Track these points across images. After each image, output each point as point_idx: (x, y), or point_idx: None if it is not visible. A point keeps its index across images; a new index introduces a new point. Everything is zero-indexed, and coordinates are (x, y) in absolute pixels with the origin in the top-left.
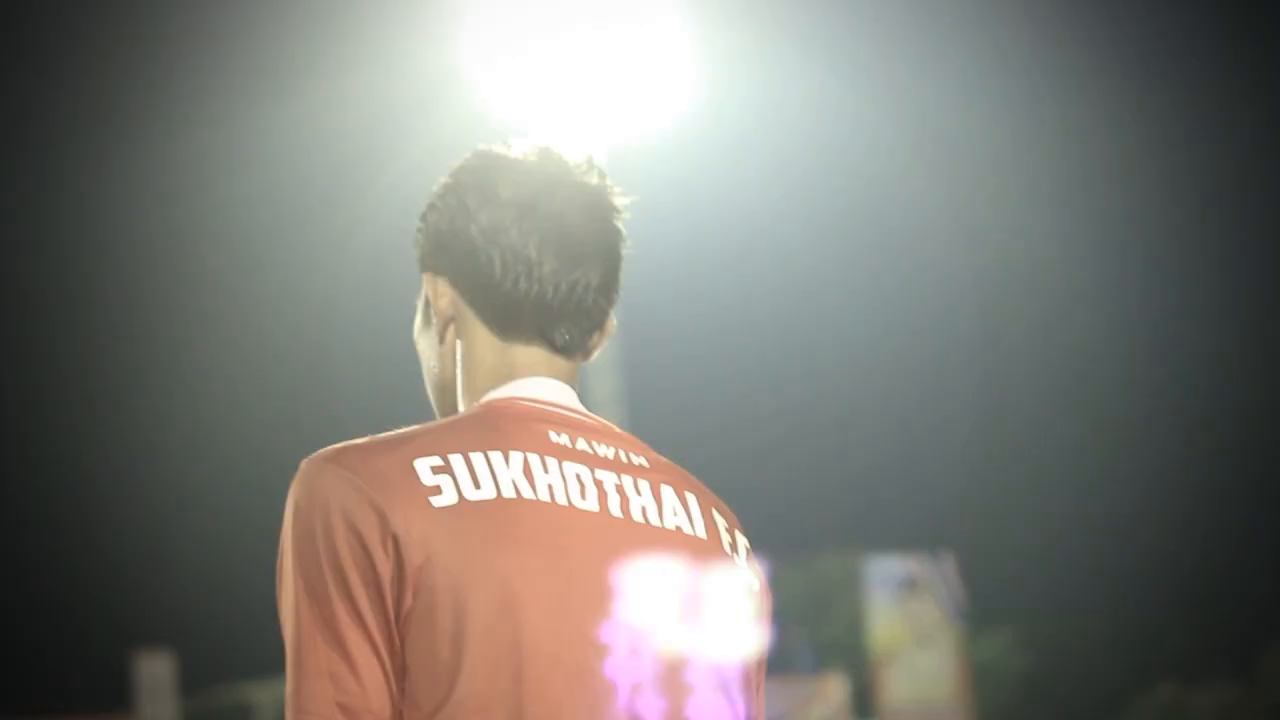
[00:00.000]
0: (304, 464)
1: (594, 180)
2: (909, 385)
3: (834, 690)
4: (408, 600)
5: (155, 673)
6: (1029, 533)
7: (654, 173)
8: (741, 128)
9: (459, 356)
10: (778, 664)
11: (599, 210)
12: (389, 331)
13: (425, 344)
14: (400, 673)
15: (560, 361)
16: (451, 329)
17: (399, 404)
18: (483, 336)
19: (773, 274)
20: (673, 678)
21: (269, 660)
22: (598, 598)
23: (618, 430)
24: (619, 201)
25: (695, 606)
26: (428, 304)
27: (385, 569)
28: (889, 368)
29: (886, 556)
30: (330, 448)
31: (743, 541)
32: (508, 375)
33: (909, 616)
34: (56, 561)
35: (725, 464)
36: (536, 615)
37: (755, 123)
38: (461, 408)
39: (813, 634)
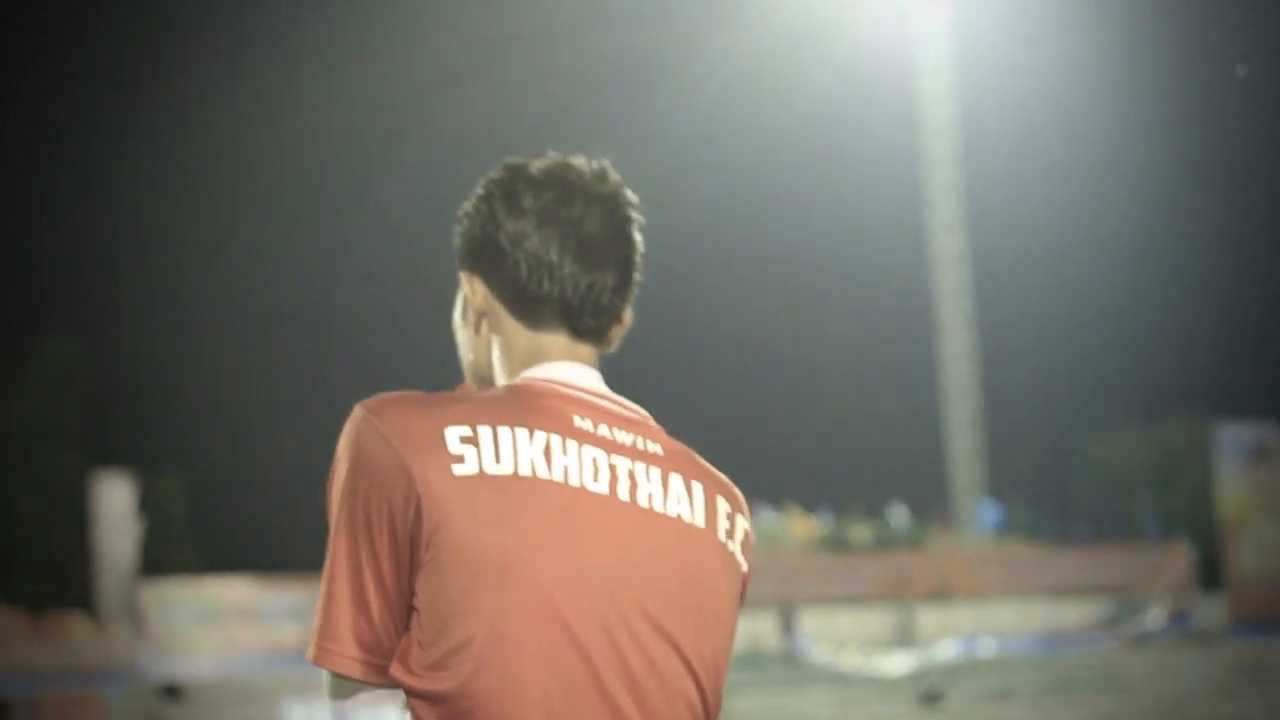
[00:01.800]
0: (355, 410)
1: (609, 189)
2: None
3: (1179, 559)
4: (422, 554)
5: None
6: None
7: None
8: None
9: (493, 345)
10: (1121, 531)
11: (614, 216)
12: None
13: (464, 336)
14: (407, 615)
15: (583, 348)
16: (485, 321)
17: None
18: (513, 327)
19: None
20: (651, 657)
21: None
22: (594, 574)
23: (640, 417)
24: (633, 207)
25: (682, 591)
26: (465, 300)
27: (405, 524)
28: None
29: (1237, 424)
30: (378, 398)
31: (742, 525)
32: (538, 359)
33: (1259, 486)
34: None
35: (1082, 325)
36: (534, 585)
37: None
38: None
39: (1159, 502)
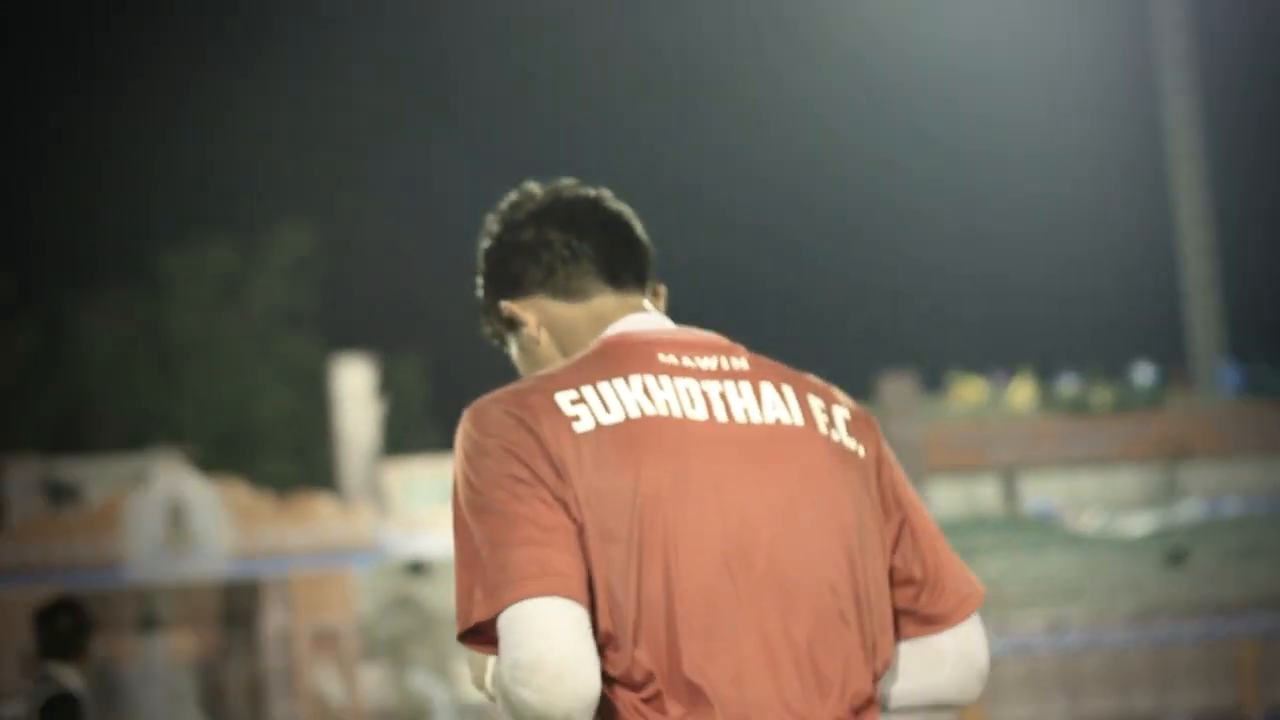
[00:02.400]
0: (468, 410)
1: (594, 191)
2: None
3: None
4: (574, 508)
5: (900, 391)
6: None
7: None
8: None
9: (560, 349)
10: None
11: (604, 199)
12: None
13: (529, 361)
14: (585, 553)
15: (633, 298)
16: (543, 332)
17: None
18: (568, 315)
19: None
20: (777, 555)
21: (855, 390)
22: (715, 495)
23: (715, 340)
24: (620, 203)
25: (797, 487)
26: (510, 329)
27: (552, 479)
28: None
29: None
30: (487, 396)
31: (840, 413)
32: (601, 325)
33: None
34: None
35: None
36: (667, 514)
37: None
38: None
39: None
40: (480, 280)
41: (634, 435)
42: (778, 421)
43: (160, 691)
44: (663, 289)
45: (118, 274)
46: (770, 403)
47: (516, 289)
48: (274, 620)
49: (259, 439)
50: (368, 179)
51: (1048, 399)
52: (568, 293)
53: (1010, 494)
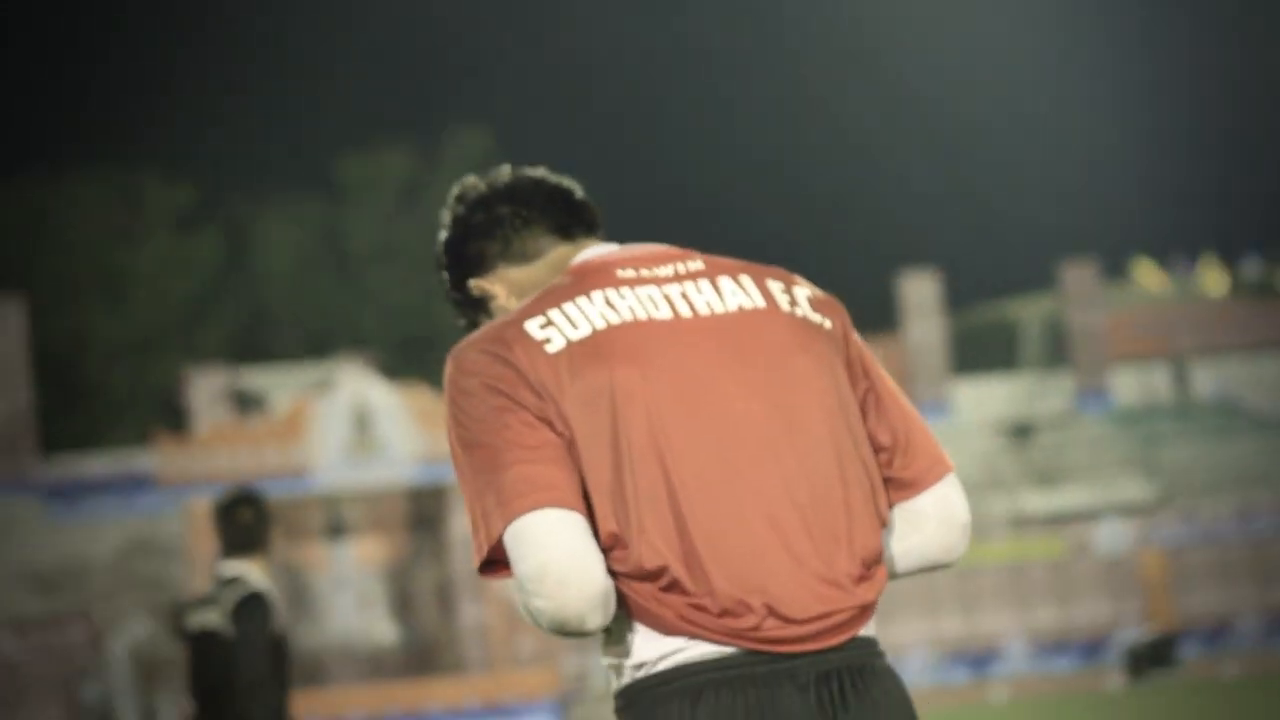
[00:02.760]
0: (449, 356)
1: (533, 170)
2: None
3: None
4: (559, 424)
5: (921, 292)
6: None
7: None
8: None
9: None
10: None
11: (543, 174)
12: None
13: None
14: (575, 462)
15: (585, 241)
16: (513, 300)
17: None
18: (529, 274)
19: None
20: (778, 430)
21: (1033, 277)
22: (694, 384)
23: (667, 249)
24: (561, 176)
25: (764, 363)
26: (482, 309)
27: (533, 403)
28: None
29: None
30: (464, 339)
31: (802, 292)
32: (557, 270)
33: None
34: (825, 187)
35: None
36: (649, 409)
37: None
38: None
39: None
40: (444, 273)
41: (602, 344)
42: (739, 308)
43: (350, 597)
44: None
45: (296, 183)
46: (730, 291)
47: (480, 267)
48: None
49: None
50: (544, 81)
51: (1232, 283)
52: (525, 256)
53: (1190, 380)
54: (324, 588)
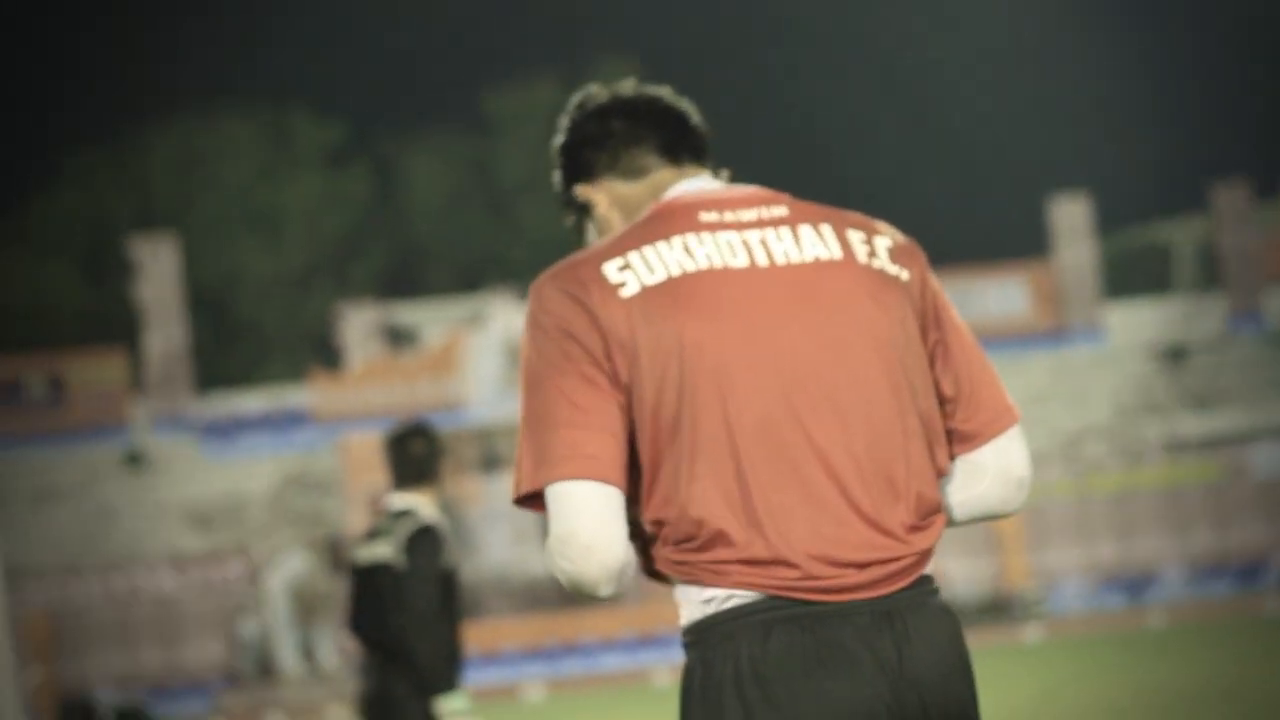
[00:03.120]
0: (531, 287)
1: (653, 89)
2: None
3: None
4: (624, 371)
5: (1072, 216)
6: None
7: None
8: None
9: (626, 223)
10: None
11: (662, 94)
12: None
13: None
14: (626, 424)
15: (690, 171)
16: (614, 211)
17: None
18: (631, 190)
19: None
20: (842, 379)
21: (1185, 199)
22: (762, 333)
23: (756, 190)
24: (679, 98)
25: (838, 313)
26: (585, 214)
27: (600, 349)
28: None
29: None
30: (547, 271)
31: (882, 242)
32: (660, 195)
33: None
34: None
35: None
36: (716, 357)
37: None
38: None
39: None
40: (556, 174)
41: (677, 291)
42: (816, 259)
43: (505, 530)
44: (726, 173)
45: (444, 117)
46: (809, 241)
47: (587, 174)
48: None
49: None
50: (689, 6)
51: None
52: (631, 172)
53: None
54: (478, 521)
